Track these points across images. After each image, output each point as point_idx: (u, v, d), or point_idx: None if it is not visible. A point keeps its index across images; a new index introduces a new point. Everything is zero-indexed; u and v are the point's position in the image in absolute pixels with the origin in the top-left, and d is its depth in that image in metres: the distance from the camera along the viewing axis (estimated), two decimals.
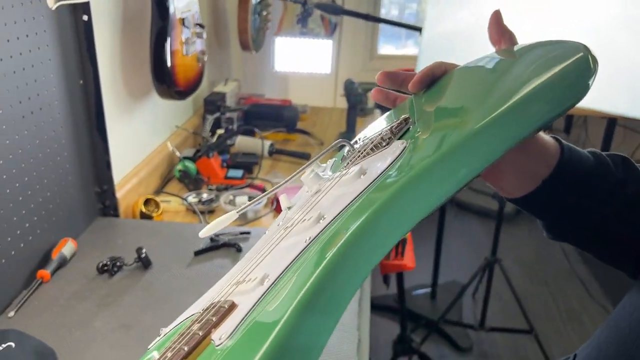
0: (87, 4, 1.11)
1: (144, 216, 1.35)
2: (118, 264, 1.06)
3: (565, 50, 0.41)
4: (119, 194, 1.32)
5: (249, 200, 1.39)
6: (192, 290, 1.01)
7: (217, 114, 1.83)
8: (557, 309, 2.42)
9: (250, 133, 1.80)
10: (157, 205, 1.39)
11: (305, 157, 1.75)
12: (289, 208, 0.52)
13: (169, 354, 0.38)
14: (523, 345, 2.17)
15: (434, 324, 2.16)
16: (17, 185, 0.98)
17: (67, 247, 1.08)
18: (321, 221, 0.41)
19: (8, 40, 0.93)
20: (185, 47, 1.43)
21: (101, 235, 1.20)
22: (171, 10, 1.35)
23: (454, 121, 0.44)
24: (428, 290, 2.40)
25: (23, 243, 1.00)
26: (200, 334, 0.37)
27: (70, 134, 1.13)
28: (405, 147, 0.43)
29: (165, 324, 0.51)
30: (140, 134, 1.53)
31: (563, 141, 0.51)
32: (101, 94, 1.19)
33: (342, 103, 2.02)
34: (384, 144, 0.47)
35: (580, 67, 0.38)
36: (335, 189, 0.45)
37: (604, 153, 0.53)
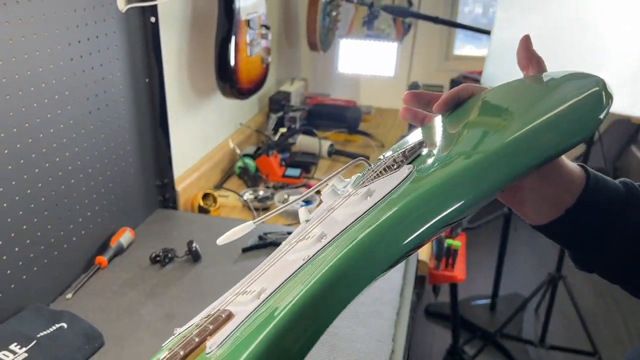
0: (155, 6, 1.17)
1: (202, 210, 1.40)
2: (170, 255, 1.11)
3: (583, 84, 0.40)
4: (179, 187, 1.39)
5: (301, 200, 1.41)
6: None
7: (280, 113, 1.87)
8: (626, 331, 2.28)
9: (312, 133, 1.83)
10: (214, 199, 1.44)
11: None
12: (307, 221, 0.53)
13: (168, 355, 0.40)
14: None
15: (490, 336, 2.10)
16: (81, 176, 1.05)
17: (125, 236, 1.15)
18: (322, 240, 0.42)
19: (79, 41, 1.00)
20: (249, 48, 1.47)
21: (158, 226, 1.26)
22: (236, 12, 1.39)
23: (468, 145, 0.43)
24: (487, 301, 2.33)
25: (84, 230, 1.07)
26: (197, 340, 0.39)
27: (134, 129, 1.20)
28: (410, 172, 0.43)
29: None
30: (205, 131, 1.59)
31: (590, 169, 0.49)
32: (165, 92, 1.25)
33: None
34: (395, 167, 0.47)
35: (591, 102, 0.38)
36: (343, 208, 0.46)
37: (638, 183, 0.50)
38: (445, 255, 1.34)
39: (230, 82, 1.43)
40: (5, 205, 0.87)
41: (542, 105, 0.41)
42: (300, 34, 2.28)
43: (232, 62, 1.42)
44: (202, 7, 1.46)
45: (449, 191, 0.38)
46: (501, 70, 1.64)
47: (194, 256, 1.12)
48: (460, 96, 0.52)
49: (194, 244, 1.12)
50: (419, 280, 1.22)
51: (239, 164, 1.60)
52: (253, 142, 1.84)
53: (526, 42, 0.51)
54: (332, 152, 1.79)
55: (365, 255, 0.36)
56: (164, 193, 1.34)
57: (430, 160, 0.45)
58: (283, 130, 1.82)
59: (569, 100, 0.39)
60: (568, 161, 0.49)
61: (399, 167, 0.47)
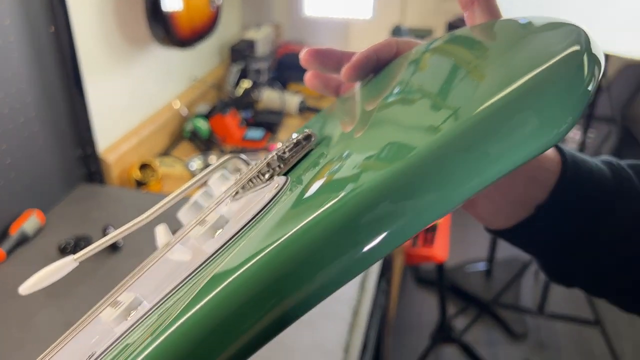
0: None
1: (140, 184, 1.20)
2: (82, 244, 0.92)
3: (555, 42, 0.22)
4: (111, 158, 1.18)
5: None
6: None
7: (243, 65, 1.64)
8: None
9: (281, 87, 1.60)
10: (154, 170, 1.23)
11: None
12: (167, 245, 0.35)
13: None
14: (587, 338, 1.90)
15: (485, 306, 1.93)
16: None
17: (30, 222, 0.95)
18: (131, 314, 0.25)
19: None
20: None
21: (78, 207, 1.06)
22: None
23: (390, 135, 0.24)
24: (483, 267, 2.15)
25: None
26: None
27: (38, 91, 0.98)
28: (279, 190, 0.25)
29: None
30: (145, 87, 1.36)
31: (567, 150, 0.35)
32: (74, 42, 1.02)
33: None
34: (267, 176, 0.29)
35: (568, 71, 0.20)
36: (182, 246, 0.30)
37: (625, 163, 0.36)
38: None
39: (165, 28, 1.20)
40: None
41: (497, 79, 0.22)
42: None
43: (167, 3, 1.18)
44: None
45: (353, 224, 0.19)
46: (507, 13, 1.40)
47: (112, 245, 0.93)
48: (380, 57, 0.35)
49: (108, 229, 0.92)
50: (387, 265, 1.03)
51: (189, 126, 1.38)
52: (211, 99, 1.62)
53: None
54: (304, 109, 1.57)
55: None
56: (89, 165, 1.13)
57: (316, 169, 0.26)
58: (246, 84, 1.60)
59: (537, 68, 0.20)
60: None
61: (271, 177, 0.29)
